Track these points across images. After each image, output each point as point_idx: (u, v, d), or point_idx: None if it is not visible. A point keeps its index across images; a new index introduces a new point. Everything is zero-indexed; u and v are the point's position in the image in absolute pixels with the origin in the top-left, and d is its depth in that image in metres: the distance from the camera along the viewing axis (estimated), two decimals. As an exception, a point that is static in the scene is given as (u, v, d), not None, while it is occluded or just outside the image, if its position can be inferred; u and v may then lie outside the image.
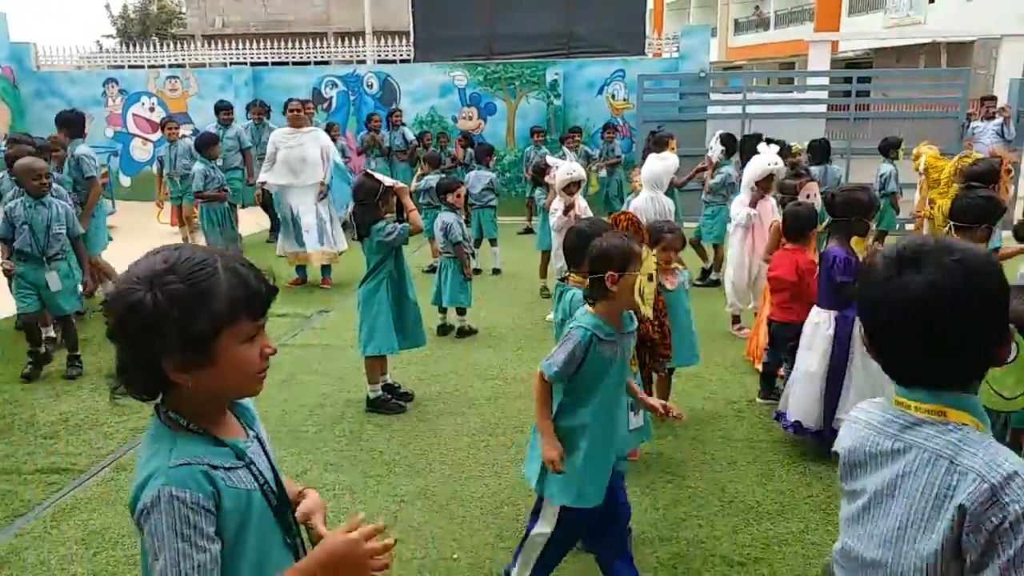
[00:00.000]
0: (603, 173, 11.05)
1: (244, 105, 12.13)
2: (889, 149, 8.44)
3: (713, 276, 7.79)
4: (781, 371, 4.92)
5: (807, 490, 3.75)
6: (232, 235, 7.96)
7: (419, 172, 8.98)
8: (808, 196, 5.29)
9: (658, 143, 8.37)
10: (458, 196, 6.36)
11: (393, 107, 12.11)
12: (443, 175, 7.95)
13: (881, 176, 8.28)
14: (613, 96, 12.56)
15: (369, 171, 4.91)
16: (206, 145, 7.90)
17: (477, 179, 8.61)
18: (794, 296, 4.53)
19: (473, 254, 6.43)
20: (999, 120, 10.74)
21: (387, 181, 4.67)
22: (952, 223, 3.72)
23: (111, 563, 3.24)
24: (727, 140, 7.73)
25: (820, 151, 8.00)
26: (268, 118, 10.54)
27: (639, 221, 3.88)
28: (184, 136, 9.68)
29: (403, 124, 11.58)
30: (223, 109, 10.02)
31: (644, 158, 8.69)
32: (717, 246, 7.72)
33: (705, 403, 4.83)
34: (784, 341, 4.61)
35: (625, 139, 12.14)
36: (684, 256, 4.61)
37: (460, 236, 6.21)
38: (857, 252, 4.07)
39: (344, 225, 8.04)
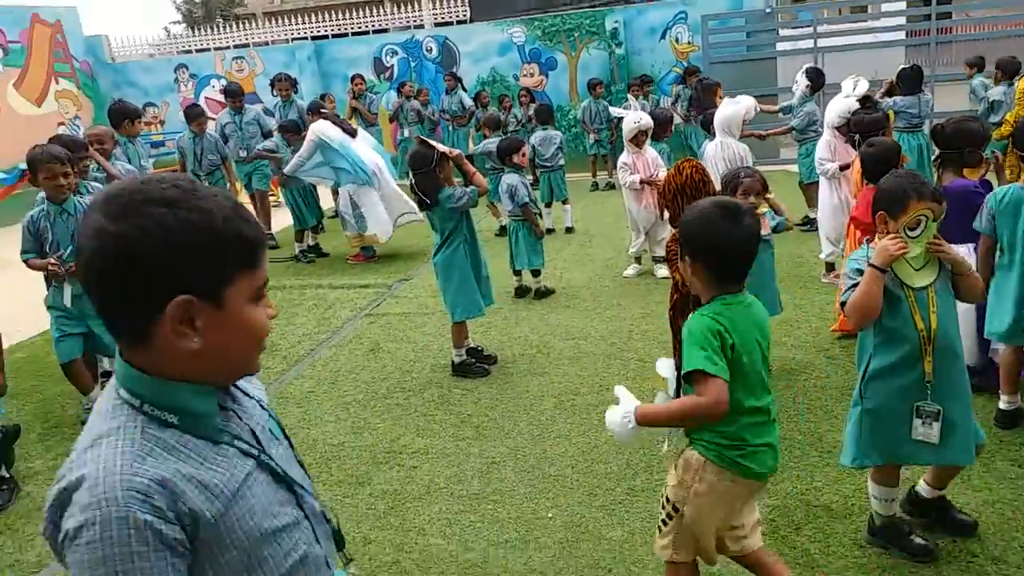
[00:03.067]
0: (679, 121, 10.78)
1: (309, 82, 12.33)
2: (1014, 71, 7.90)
3: (811, 215, 7.44)
4: None
5: (908, 436, 3.63)
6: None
7: (483, 135, 8.92)
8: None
9: (706, 91, 8.10)
10: (523, 155, 6.27)
11: (447, 72, 11.97)
12: (504, 137, 7.88)
13: (993, 102, 7.79)
14: (677, 40, 12.17)
15: (423, 138, 4.88)
16: (287, 131, 8.27)
17: (546, 140, 8.50)
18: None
19: (540, 213, 6.38)
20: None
21: (441, 148, 4.67)
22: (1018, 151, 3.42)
23: None
24: (813, 75, 7.38)
25: (911, 80, 7.56)
26: (296, 92, 9.68)
27: (703, 168, 3.76)
28: (206, 129, 8.74)
29: (460, 88, 11.43)
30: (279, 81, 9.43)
31: (694, 108, 8.45)
32: (811, 184, 7.38)
33: (796, 352, 4.71)
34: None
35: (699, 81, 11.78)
36: (786, 199, 4.41)
37: (527, 197, 6.15)
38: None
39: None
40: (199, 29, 16.01)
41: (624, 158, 6.40)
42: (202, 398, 1.14)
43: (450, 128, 11.37)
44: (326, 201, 9.03)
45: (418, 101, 11.34)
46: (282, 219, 9.31)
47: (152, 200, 1.05)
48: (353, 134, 7.71)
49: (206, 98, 14.36)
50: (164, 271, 1.05)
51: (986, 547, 2.83)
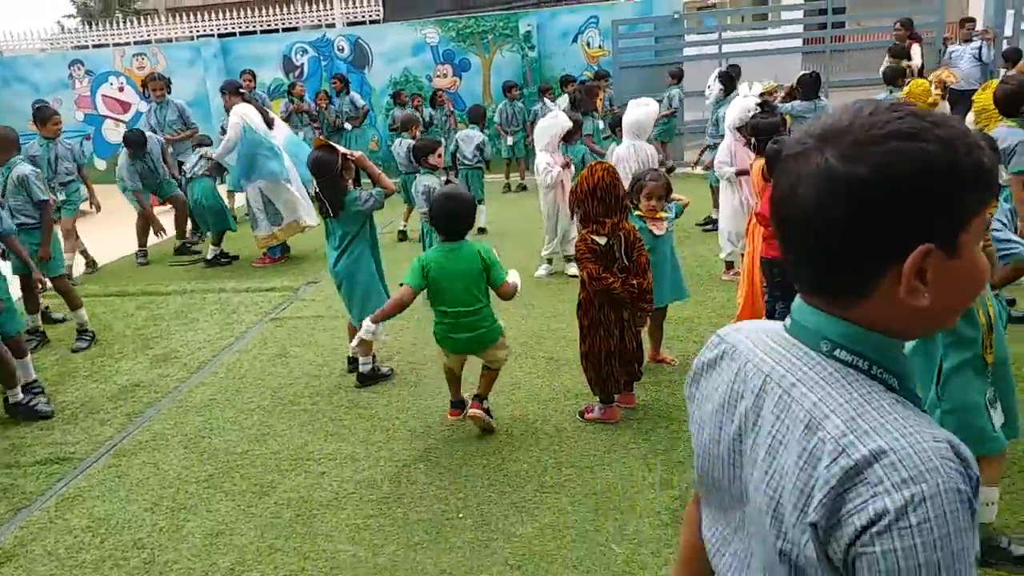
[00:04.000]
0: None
1: (214, 80, 11.96)
2: (896, 78, 8.38)
3: (714, 216, 7.65)
4: None
5: (803, 425, 3.79)
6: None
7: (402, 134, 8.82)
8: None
9: (588, 93, 8.30)
10: (438, 156, 6.22)
11: (334, 74, 11.73)
12: (420, 138, 7.82)
13: None
14: (588, 44, 12.36)
15: (324, 141, 4.77)
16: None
17: (467, 140, 8.48)
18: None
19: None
20: (977, 43, 10.63)
21: (342, 150, 4.60)
22: None
23: (118, 548, 3.25)
24: (725, 78, 7.61)
25: (809, 86, 7.91)
26: (169, 92, 9.16)
27: (614, 170, 3.84)
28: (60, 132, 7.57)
29: (348, 90, 11.27)
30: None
31: (573, 108, 8.60)
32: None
33: (696, 347, 4.82)
34: (772, 277, 4.62)
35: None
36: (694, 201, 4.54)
37: None
38: None
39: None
40: (96, 24, 15.26)
41: (546, 159, 6.40)
42: (904, 357, 0.98)
43: (349, 127, 11.12)
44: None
45: (314, 104, 11.10)
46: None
47: (891, 133, 0.88)
48: (271, 124, 7.52)
49: (103, 96, 13.73)
50: (909, 216, 0.88)
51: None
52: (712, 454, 1.10)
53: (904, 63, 9.61)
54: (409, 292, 3.78)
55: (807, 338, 0.98)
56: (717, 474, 1.10)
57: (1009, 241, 2.97)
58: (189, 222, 8.53)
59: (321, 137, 5.41)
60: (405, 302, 3.82)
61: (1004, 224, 3.02)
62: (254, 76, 10.52)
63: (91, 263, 7.94)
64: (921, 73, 9.61)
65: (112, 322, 6.28)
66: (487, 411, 4.00)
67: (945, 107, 8.10)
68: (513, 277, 3.92)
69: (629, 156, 6.16)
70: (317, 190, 4.55)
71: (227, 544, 3.21)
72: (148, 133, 8.16)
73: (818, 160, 0.90)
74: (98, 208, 7.69)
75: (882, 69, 8.43)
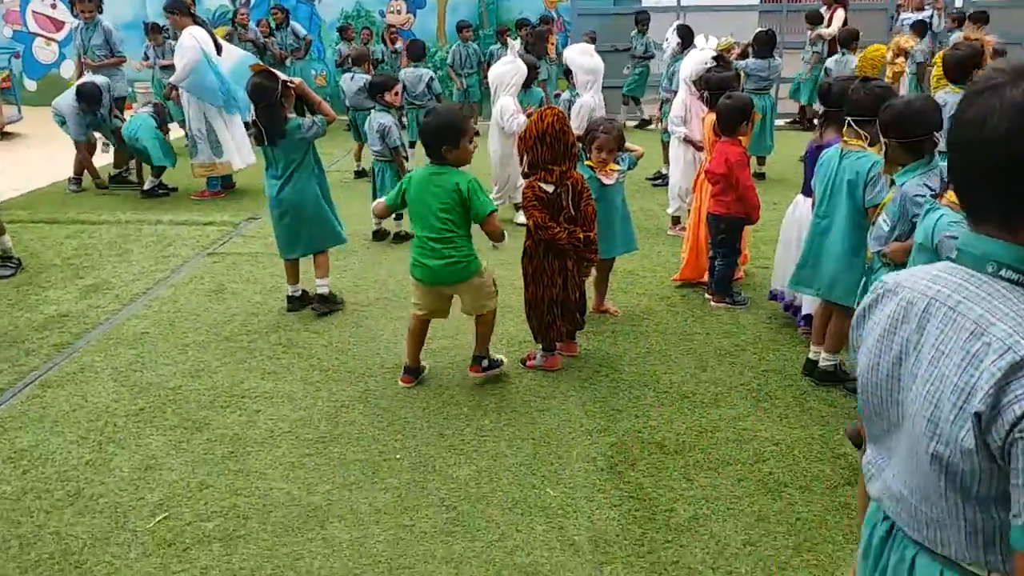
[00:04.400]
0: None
1: (155, 2, 11.33)
2: (850, 40, 8.42)
3: (664, 171, 7.67)
4: (740, 272, 5.01)
5: (739, 379, 3.88)
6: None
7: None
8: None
9: (537, 39, 8.14)
10: (395, 94, 6.02)
11: (274, 5, 11.20)
12: (377, 74, 7.59)
13: (852, 69, 8.29)
14: (547, -12, 12.11)
15: (264, 67, 4.59)
16: None
17: (415, 77, 8.26)
18: (725, 188, 4.55)
19: (407, 157, 6.22)
20: (929, 12, 10.77)
21: (283, 77, 4.47)
22: (850, 118, 3.47)
23: (41, 480, 3.16)
24: (683, 32, 7.51)
25: (765, 44, 7.91)
26: (100, 12, 8.37)
27: (564, 117, 3.79)
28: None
29: (289, 21, 10.88)
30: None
31: (527, 52, 8.46)
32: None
33: (640, 299, 4.90)
34: (716, 233, 4.68)
35: (561, 34, 11.80)
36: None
37: (398, 140, 5.95)
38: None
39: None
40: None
41: (509, 103, 6.26)
42: None
43: (288, 63, 10.70)
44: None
45: (258, 32, 10.66)
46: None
47: None
48: (219, 50, 7.15)
49: (34, 12, 12.93)
50: None
51: (795, 477, 3.09)
52: (871, 383, 1.24)
53: (819, 30, 9.76)
54: (381, 206, 3.85)
55: (973, 262, 1.10)
56: (876, 402, 1.24)
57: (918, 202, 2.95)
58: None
59: (260, 63, 5.16)
60: (377, 213, 3.99)
61: (931, 190, 3.02)
62: (160, 31, 9.66)
63: None
64: (834, 40, 9.76)
65: (40, 250, 6.01)
66: (488, 367, 3.89)
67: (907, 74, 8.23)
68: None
69: (598, 106, 6.09)
70: (254, 117, 4.39)
71: (156, 479, 3.15)
72: (101, 82, 7.65)
73: (1013, 93, 1.01)
74: (2, 129, 7.14)
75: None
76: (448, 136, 3.55)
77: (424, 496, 3.02)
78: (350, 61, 8.26)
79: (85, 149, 7.71)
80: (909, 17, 10.96)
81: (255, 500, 3.01)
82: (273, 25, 10.76)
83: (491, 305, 3.84)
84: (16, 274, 5.46)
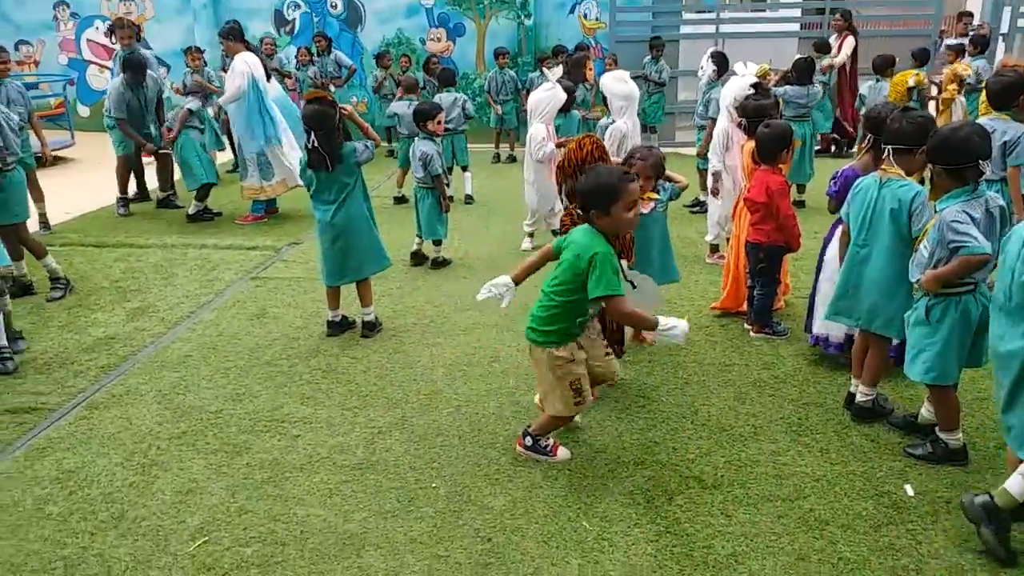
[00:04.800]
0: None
1: (203, 31, 11.68)
2: (886, 68, 8.34)
3: (702, 198, 7.63)
4: (781, 302, 4.96)
5: (778, 412, 3.82)
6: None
7: (398, 96, 8.67)
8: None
9: (576, 64, 8.16)
10: (438, 123, 6.09)
11: (317, 32, 11.38)
12: (422, 101, 7.70)
13: (886, 96, 8.20)
14: (585, 16, 12.20)
15: (322, 95, 4.69)
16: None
17: (449, 102, 8.36)
18: (765, 217, 4.52)
19: (449, 184, 6.28)
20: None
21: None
22: (890, 147, 3.42)
23: (86, 501, 3.23)
24: (719, 59, 7.49)
25: (804, 71, 7.87)
26: (139, 40, 8.77)
27: (603, 145, 3.81)
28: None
29: (331, 50, 10.99)
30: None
31: (568, 77, 8.50)
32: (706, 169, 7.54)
33: (679, 328, 4.86)
34: (756, 262, 4.63)
35: (599, 61, 11.86)
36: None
37: (440, 168, 6.03)
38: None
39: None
40: (82, -35, 14.82)
41: (540, 131, 6.31)
42: None
43: (331, 89, 10.90)
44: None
45: (296, 60, 10.90)
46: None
47: None
48: (269, 77, 7.41)
49: (89, 40, 13.40)
50: None
51: (837, 515, 3.02)
52: None
53: (827, 59, 9.66)
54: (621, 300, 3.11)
55: None
56: None
57: (968, 235, 2.97)
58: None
59: (313, 89, 5.32)
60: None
61: (972, 218, 3.00)
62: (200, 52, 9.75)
63: (45, 223, 7.36)
64: (843, 68, 9.64)
65: (90, 273, 6.19)
66: (532, 447, 3.48)
67: (961, 101, 8.09)
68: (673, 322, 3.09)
69: (632, 132, 6.11)
70: (315, 143, 4.45)
71: (197, 503, 3.20)
72: (143, 52, 7.90)
73: None
74: (49, 160, 7.24)
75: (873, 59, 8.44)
76: (598, 199, 3.06)
77: (459, 526, 3.02)
78: (401, 89, 8.32)
79: (123, 164, 7.95)
80: (952, 44, 10.82)
81: (293, 526, 3.04)
82: (315, 52, 10.99)
83: (558, 407, 3.33)
84: (66, 295, 5.61)
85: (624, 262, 3.33)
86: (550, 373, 3.28)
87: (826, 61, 9.87)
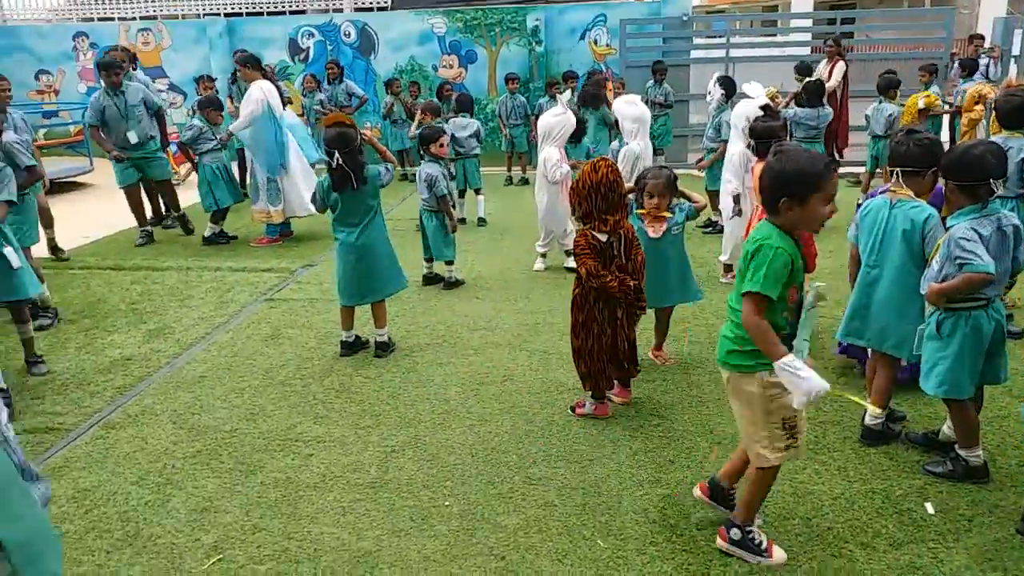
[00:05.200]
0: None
1: (219, 59, 11.88)
2: (888, 89, 8.40)
3: (714, 218, 7.63)
4: None
5: (794, 430, 3.79)
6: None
7: (417, 120, 8.77)
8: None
9: (596, 87, 8.23)
10: (441, 146, 6.23)
11: (330, 60, 11.51)
12: (427, 126, 7.79)
13: (889, 116, 8.24)
14: (596, 42, 12.34)
15: (341, 116, 4.76)
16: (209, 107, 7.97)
17: (462, 128, 8.47)
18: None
19: (454, 204, 6.32)
20: (984, 61, 10.65)
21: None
22: (897, 170, 3.41)
23: (103, 519, 3.24)
24: (726, 83, 7.54)
25: (814, 93, 7.91)
26: (135, 69, 8.87)
27: (617, 167, 3.82)
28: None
29: (342, 78, 11.07)
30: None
31: (583, 104, 8.59)
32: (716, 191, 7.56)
33: (692, 347, 4.85)
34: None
35: (609, 86, 11.97)
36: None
37: (444, 189, 6.10)
38: None
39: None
40: (103, -3, 15.17)
41: (553, 154, 6.36)
42: None
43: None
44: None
45: (302, 88, 11.00)
46: (192, 195, 8.92)
47: None
48: (285, 104, 7.55)
49: (107, 69, 13.65)
50: None
51: (856, 533, 2.98)
52: None
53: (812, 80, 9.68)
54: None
55: None
56: None
57: (974, 253, 2.99)
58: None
59: (335, 111, 5.42)
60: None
61: (980, 236, 3.03)
62: (212, 81, 10.04)
63: (55, 248, 7.30)
64: (833, 93, 9.68)
65: (107, 295, 6.25)
66: (739, 542, 2.87)
67: (983, 123, 8.13)
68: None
69: (645, 153, 6.14)
70: (340, 161, 4.50)
71: (211, 521, 3.20)
72: (139, 77, 7.85)
73: None
74: (47, 187, 7.08)
75: (878, 82, 8.48)
76: (796, 186, 2.52)
77: (473, 545, 3.00)
78: (421, 114, 8.39)
79: (130, 197, 7.85)
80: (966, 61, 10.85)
81: (307, 544, 3.03)
82: (327, 80, 11.12)
83: (763, 452, 2.72)
84: (55, 324, 5.58)
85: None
86: (758, 407, 2.67)
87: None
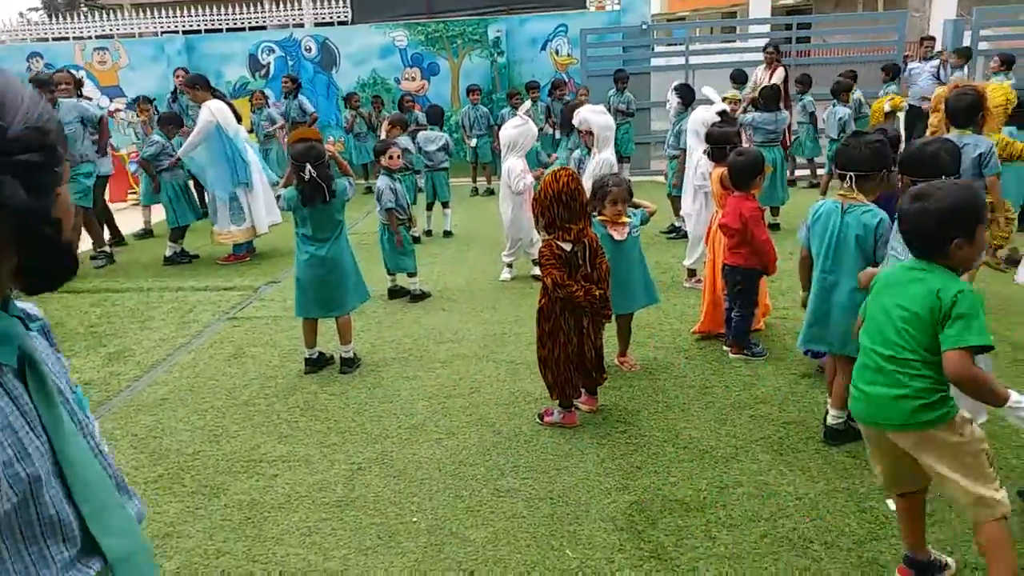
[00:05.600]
0: (557, 135, 10.95)
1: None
2: (840, 92, 8.53)
3: (676, 223, 7.72)
4: (760, 323, 4.97)
5: (759, 432, 3.82)
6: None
7: (384, 132, 8.73)
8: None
9: (571, 112, 8.29)
10: (390, 158, 6.20)
11: (285, 75, 11.33)
12: (380, 140, 7.78)
13: (840, 120, 8.38)
14: (557, 52, 12.42)
15: (309, 131, 4.78)
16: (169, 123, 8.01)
17: (429, 140, 8.46)
18: (741, 242, 4.57)
19: (411, 218, 6.27)
20: (935, 62, 10.90)
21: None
22: (850, 174, 3.45)
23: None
24: (683, 91, 7.62)
25: (772, 98, 8.03)
26: (80, 93, 8.21)
27: (578, 176, 3.84)
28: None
29: (297, 93, 10.85)
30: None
31: (563, 130, 8.63)
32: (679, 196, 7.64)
33: (657, 352, 4.88)
34: (733, 284, 4.67)
35: (572, 94, 12.03)
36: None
37: (391, 202, 6.08)
38: None
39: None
40: (60, 17, 14.94)
41: (517, 164, 6.38)
42: None
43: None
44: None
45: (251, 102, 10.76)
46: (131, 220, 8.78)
47: None
48: (239, 120, 7.46)
49: (63, 89, 13.41)
50: None
51: (821, 533, 3.01)
52: None
53: (748, 90, 9.88)
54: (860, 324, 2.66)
55: None
56: None
57: (894, 247, 3.21)
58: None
59: (306, 128, 5.41)
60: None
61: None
62: (187, 73, 9.80)
63: None
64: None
65: (65, 319, 6.12)
66: None
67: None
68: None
69: (615, 164, 6.18)
70: (312, 174, 4.49)
71: (174, 547, 3.13)
72: (83, 101, 7.70)
73: None
74: None
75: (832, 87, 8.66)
76: (963, 224, 2.32)
77: (441, 560, 2.97)
78: (387, 125, 8.35)
79: (85, 217, 7.50)
80: (916, 67, 11.11)
81: (272, 567, 2.98)
82: (278, 95, 10.98)
83: (982, 492, 2.34)
84: None
85: None
86: (966, 452, 2.37)
87: (747, 92, 10.05)
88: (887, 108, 8.84)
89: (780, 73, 10.07)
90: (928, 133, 8.80)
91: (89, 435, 1.18)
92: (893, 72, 10.05)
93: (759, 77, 10.11)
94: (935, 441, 2.37)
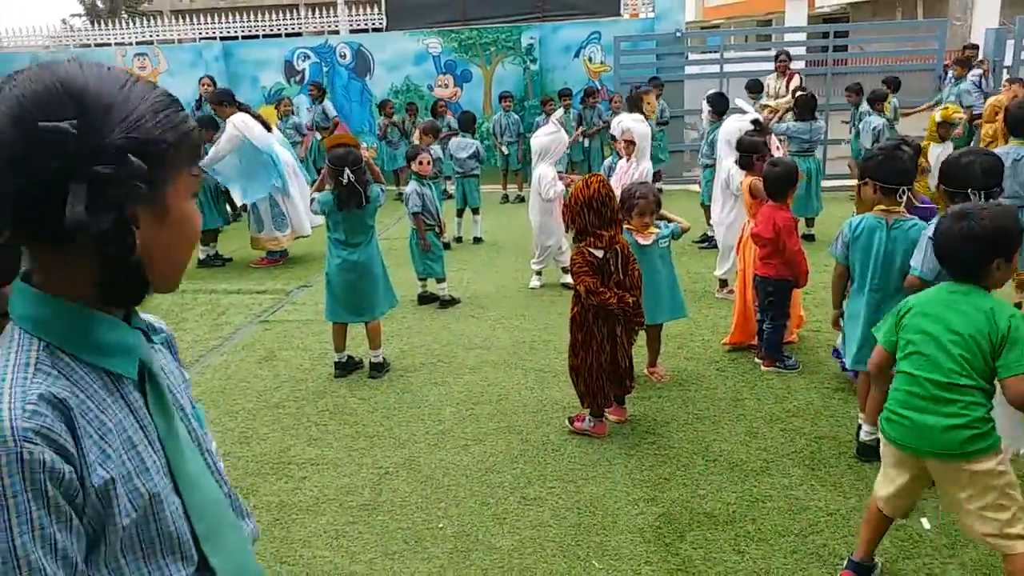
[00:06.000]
0: (586, 143, 10.94)
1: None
2: (875, 102, 8.41)
3: (710, 234, 7.65)
4: (793, 335, 4.91)
5: (791, 446, 3.76)
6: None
7: (417, 139, 8.79)
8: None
9: (636, 100, 8.26)
10: (420, 164, 6.24)
11: (311, 80, 11.50)
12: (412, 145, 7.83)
13: (874, 130, 8.26)
14: (590, 59, 12.40)
15: (344, 137, 4.83)
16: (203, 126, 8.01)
17: (460, 147, 8.50)
18: (773, 252, 4.52)
19: (437, 226, 6.33)
20: (978, 71, 10.69)
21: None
22: (880, 184, 3.43)
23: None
24: (715, 100, 7.57)
25: (806, 107, 7.93)
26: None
27: (609, 183, 3.83)
28: None
29: (324, 99, 11.04)
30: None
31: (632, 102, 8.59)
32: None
33: (688, 364, 4.83)
34: (764, 296, 4.62)
35: (604, 102, 12.01)
36: (688, 218, 4.75)
37: (417, 207, 6.13)
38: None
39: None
40: (102, 23, 15.28)
41: (547, 171, 6.39)
42: None
43: (318, 137, 11.00)
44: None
45: (277, 110, 10.94)
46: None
47: None
48: (268, 129, 7.56)
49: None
50: None
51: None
52: None
53: (765, 100, 9.71)
54: (882, 354, 2.63)
55: None
56: None
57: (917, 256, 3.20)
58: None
59: (340, 132, 5.48)
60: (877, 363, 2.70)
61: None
62: (213, 82, 10.19)
63: None
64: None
65: (101, 320, 6.24)
66: None
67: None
68: None
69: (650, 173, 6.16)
70: (350, 179, 4.54)
71: (203, 547, 3.17)
72: None
73: None
74: None
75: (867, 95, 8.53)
76: (1003, 247, 2.37)
77: (467, 567, 2.97)
78: (419, 134, 8.39)
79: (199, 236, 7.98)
80: (962, 77, 10.87)
81: (299, 569, 3.00)
82: (309, 102, 11.13)
83: (1018, 543, 2.33)
84: None
85: None
86: (1002, 480, 2.35)
87: (764, 101, 9.90)
88: (938, 119, 8.64)
89: (795, 82, 9.96)
90: (983, 144, 8.64)
91: (207, 452, 1.16)
92: (895, 86, 9.70)
93: (772, 87, 10.03)
94: (973, 470, 2.35)
